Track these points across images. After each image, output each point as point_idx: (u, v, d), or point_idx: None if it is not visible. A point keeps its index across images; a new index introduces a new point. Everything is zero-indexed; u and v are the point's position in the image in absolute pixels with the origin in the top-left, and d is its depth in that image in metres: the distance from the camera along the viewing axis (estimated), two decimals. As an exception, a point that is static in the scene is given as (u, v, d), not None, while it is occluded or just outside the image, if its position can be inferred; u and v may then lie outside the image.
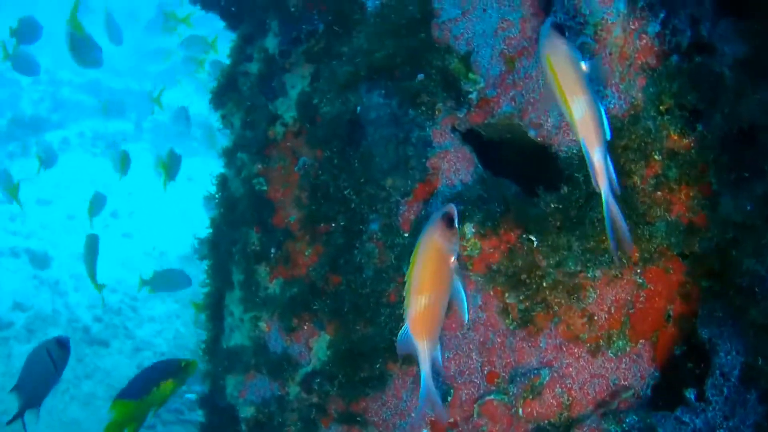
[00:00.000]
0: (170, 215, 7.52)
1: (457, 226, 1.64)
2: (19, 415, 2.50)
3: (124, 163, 4.84)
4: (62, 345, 2.50)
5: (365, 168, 2.08)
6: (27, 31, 4.84)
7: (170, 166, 4.62)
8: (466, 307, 1.63)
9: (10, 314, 6.12)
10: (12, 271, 6.75)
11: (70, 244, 7.24)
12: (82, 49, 4.35)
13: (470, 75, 2.11)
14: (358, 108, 2.10)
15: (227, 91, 2.56)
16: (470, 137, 2.19)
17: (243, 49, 2.60)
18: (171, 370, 2.52)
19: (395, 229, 2.19)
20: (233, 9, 2.73)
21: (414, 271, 1.59)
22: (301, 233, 2.28)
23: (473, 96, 2.17)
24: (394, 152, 2.09)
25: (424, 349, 1.58)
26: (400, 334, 1.57)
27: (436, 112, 2.11)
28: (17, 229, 7.48)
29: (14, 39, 4.77)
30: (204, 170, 7.94)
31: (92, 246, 4.83)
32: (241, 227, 2.39)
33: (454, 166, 2.11)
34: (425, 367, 1.57)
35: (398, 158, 2.09)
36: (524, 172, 2.17)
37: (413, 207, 2.20)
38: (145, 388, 2.47)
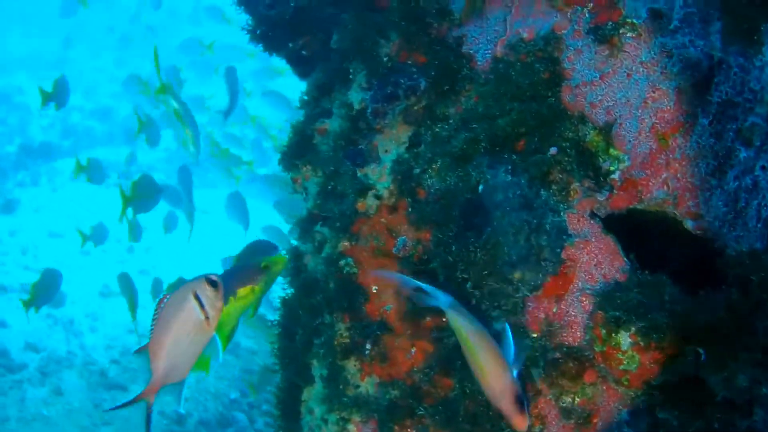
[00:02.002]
0: (186, 250, 7.08)
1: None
2: None
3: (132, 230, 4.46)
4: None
5: (490, 259, 1.71)
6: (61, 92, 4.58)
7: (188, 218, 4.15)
8: None
9: (22, 355, 5.88)
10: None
11: (85, 280, 6.87)
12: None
13: (611, 150, 1.76)
14: (481, 186, 1.70)
15: (301, 152, 2.15)
16: (610, 222, 1.77)
17: (318, 101, 2.20)
18: (247, 275, 2.11)
19: (521, 328, 1.94)
20: (304, 53, 2.33)
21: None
22: (401, 326, 1.91)
23: (616, 176, 1.93)
24: (525, 242, 1.73)
25: None
26: None
27: (572, 193, 1.76)
28: (29, 264, 7.10)
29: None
30: (219, 202, 7.52)
31: (127, 285, 4.64)
32: (324, 314, 1.99)
33: (596, 258, 1.94)
34: None
35: (530, 249, 1.74)
36: (675, 267, 1.76)
37: (543, 304, 1.95)
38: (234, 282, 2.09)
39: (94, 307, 6.70)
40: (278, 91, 8.09)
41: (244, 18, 2.68)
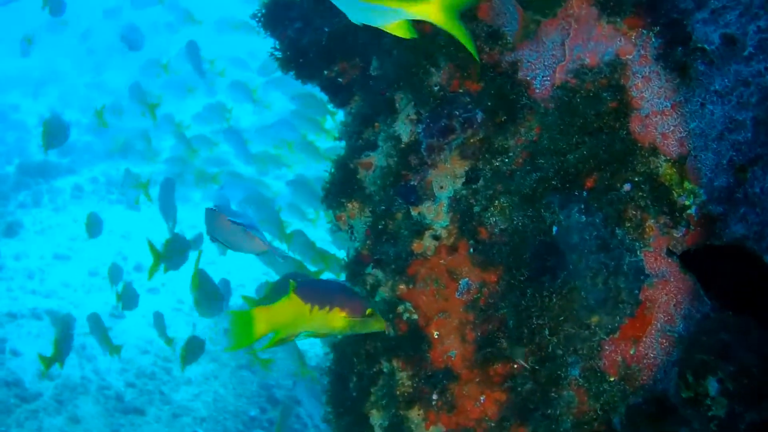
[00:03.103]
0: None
1: None
2: None
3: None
4: None
5: (566, 304, 1.60)
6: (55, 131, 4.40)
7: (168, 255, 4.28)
8: None
9: (37, 384, 5.61)
10: (35, 335, 6.37)
11: (94, 303, 6.73)
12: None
13: (686, 184, 1.65)
14: (555, 228, 1.57)
15: (346, 188, 2.01)
16: (687, 259, 1.65)
17: (360, 133, 2.05)
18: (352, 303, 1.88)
19: (598, 372, 1.89)
20: (340, 80, 2.19)
21: None
22: (468, 374, 1.80)
23: (692, 211, 1.85)
24: (604, 285, 1.63)
25: None
26: None
27: (647, 231, 1.66)
28: (36, 288, 6.95)
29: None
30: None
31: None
32: (381, 361, 1.85)
33: (675, 298, 1.74)
34: None
35: (608, 292, 1.63)
36: (758, 306, 1.66)
37: (620, 346, 1.88)
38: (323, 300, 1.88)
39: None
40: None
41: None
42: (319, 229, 7.49)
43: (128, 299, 5.24)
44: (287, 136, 7.06)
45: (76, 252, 8.10)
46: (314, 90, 2.55)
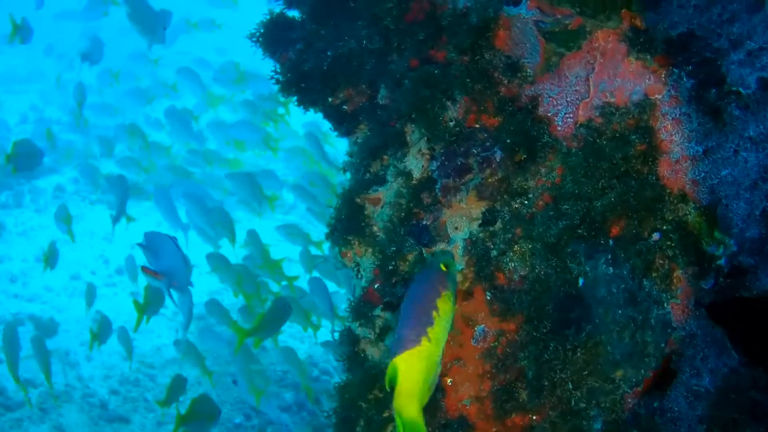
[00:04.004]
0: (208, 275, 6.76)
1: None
2: None
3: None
4: None
5: (591, 358, 1.50)
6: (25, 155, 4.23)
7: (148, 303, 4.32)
8: None
9: (21, 392, 5.35)
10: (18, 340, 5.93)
11: (76, 307, 6.53)
12: None
13: (716, 234, 1.55)
14: (581, 280, 1.44)
15: (353, 225, 1.86)
16: (715, 311, 1.53)
17: (367, 166, 1.90)
18: (432, 281, 1.64)
19: (620, 425, 1.78)
20: (345, 107, 2.03)
21: None
22: (484, 425, 1.72)
23: (722, 262, 1.74)
24: (630, 339, 1.50)
25: None
26: None
27: (675, 281, 1.52)
28: (18, 292, 6.70)
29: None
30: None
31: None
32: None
33: (702, 352, 1.87)
34: None
35: (634, 346, 1.52)
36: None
37: (643, 399, 1.77)
38: (421, 322, 1.57)
39: (89, 335, 6.32)
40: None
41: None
42: (267, 220, 7.34)
43: (103, 333, 5.10)
44: (244, 136, 6.95)
45: (57, 255, 7.86)
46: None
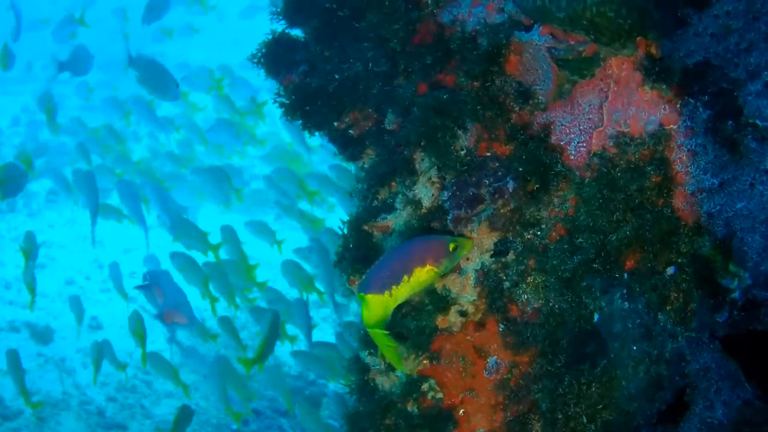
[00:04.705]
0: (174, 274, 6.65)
1: None
2: None
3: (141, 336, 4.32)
4: None
5: (606, 392, 1.47)
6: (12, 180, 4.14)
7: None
8: None
9: (18, 400, 5.44)
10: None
11: (71, 313, 6.38)
12: None
13: (730, 267, 1.51)
14: (596, 315, 1.40)
15: (362, 254, 1.82)
16: (729, 344, 1.50)
17: (375, 193, 1.85)
18: (431, 251, 1.82)
19: None
20: (351, 132, 1.99)
21: None
22: None
23: (736, 296, 1.69)
24: (645, 374, 1.46)
25: None
26: None
27: (689, 314, 1.45)
28: (14, 299, 6.63)
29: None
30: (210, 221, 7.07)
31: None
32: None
33: (716, 384, 1.71)
34: None
35: (649, 380, 1.45)
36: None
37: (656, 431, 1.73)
38: (393, 277, 1.79)
39: (84, 342, 6.27)
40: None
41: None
42: (234, 212, 7.28)
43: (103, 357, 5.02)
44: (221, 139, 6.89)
45: (51, 260, 7.81)
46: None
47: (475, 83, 1.96)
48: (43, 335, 6.50)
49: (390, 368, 1.99)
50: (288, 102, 2.31)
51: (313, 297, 5.60)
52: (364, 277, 1.81)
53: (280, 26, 2.55)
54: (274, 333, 3.79)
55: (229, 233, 5.51)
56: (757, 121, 1.72)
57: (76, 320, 5.46)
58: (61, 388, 6.00)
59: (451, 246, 1.79)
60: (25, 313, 6.92)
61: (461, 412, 1.93)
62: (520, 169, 1.86)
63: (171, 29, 9.17)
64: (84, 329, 6.74)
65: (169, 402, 6.16)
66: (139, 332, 4.41)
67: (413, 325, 1.96)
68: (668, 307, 1.71)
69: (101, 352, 4.83)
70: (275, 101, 2.33)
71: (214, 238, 5.42)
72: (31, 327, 6.61)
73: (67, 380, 6.13)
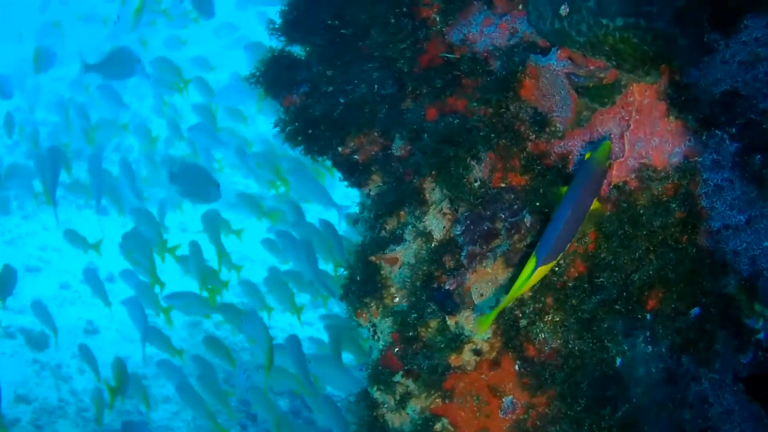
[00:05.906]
0: (167, 275, 6.49)
1: None
2: None
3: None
4: None
5: None
6: None
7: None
8: None
9: (14, 409, 5.39)
10: (9, 355, 6.22)
11: (66, 318, 6.48)
12: None
13: (756, 306, 1.46)
14: (618, 360, 1.30)
15: (369, 287, 1.71)
16: (752, 385, 1.39)
17: (383, 222, 1.74)
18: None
19: None
20: (355, 156, 1.87)
21: None
22: None
23: (761, 336, 1.58)
24: (668, 419, 1.32)
25: None
26: None
27: (713, 356, 1.34)
28: (9, 304, 6.34)
29: None
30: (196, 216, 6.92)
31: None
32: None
33: (738, 427, 1.59)
34: None
35: (671, 425, 1.31)
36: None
37: None
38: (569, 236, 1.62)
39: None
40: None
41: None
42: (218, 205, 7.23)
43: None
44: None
45: (46, 263, 7.66)
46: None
47: (488, 109, 1.85)
48: (38, 340, 6.35)
49: (400, 406, 1.88)
50: (290, 128, 2.15)
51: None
52: (538, 247, 1.58)
53: (279, 43, 2.41)
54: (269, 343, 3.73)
55: (210, 220, 5.40)
56: (787, 156, 1.62)
57: (91, 370, 5.33)
58: (57, 395, 5.88)
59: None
60: (20, 318, 6.77)
61: (475, 452, 1.84)
62: (537, 203, 1.76)
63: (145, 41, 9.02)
64: (79, 335, 6.61)
65: (166, 407, 6.05)
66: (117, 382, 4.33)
67: (426, 363, 1.85)
68: (692, 349, 1.64)
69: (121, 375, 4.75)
70: (275, 125, 2.19)
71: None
72: (26, 332, 6.47)
73: (64, 387, 6.00)
